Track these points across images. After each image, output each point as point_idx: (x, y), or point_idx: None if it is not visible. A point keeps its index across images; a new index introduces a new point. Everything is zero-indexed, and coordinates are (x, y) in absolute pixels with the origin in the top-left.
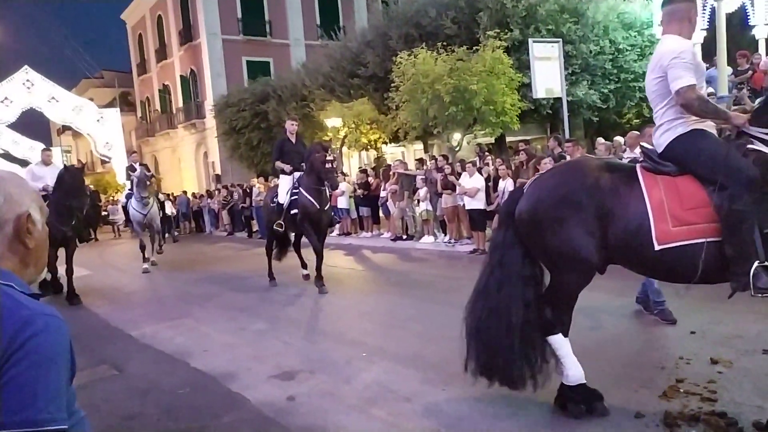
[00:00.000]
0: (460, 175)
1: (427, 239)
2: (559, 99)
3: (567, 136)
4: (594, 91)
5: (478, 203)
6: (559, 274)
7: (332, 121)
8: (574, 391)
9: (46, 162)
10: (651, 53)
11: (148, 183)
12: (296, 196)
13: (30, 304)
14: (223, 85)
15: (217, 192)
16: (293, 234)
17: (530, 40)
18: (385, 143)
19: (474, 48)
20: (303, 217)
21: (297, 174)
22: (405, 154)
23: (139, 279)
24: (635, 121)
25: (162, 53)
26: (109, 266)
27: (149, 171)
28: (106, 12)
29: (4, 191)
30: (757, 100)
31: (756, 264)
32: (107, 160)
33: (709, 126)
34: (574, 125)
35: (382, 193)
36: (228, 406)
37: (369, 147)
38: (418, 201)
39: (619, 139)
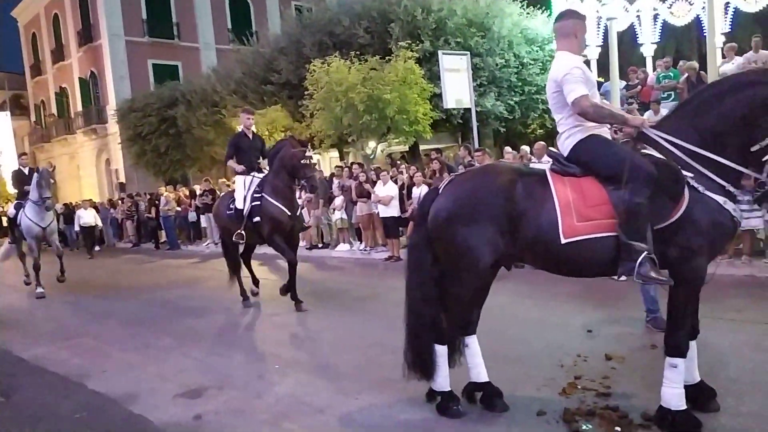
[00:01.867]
0: (375, 183)
1: (343, 247)
2: (469, 109)
3: (476, 145)
4: (501, 103)
5: (393, 211)
6: (458, 273)
7: None
8: (440, 396)
9: None
10: None
11: (52, 181)
12: (258, 201)
13: None
14: (127, 88)
15: (120, 201)
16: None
17: (440, 52)
18: None
19: (387, 58)
20: (271, 228)
21: (256, 175)
22: (320, 162)
23: (31, 296)
24: (539, 131)
25: (59, 54)
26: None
27: (52, 166)
28: None
29: None
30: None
31: (644, 254)
32: None
33: (605, 132)
34: (483, 135)
35: (299, 202)
36: (128, 429)
37: None
38: (334, 209)
39: (525, 148)
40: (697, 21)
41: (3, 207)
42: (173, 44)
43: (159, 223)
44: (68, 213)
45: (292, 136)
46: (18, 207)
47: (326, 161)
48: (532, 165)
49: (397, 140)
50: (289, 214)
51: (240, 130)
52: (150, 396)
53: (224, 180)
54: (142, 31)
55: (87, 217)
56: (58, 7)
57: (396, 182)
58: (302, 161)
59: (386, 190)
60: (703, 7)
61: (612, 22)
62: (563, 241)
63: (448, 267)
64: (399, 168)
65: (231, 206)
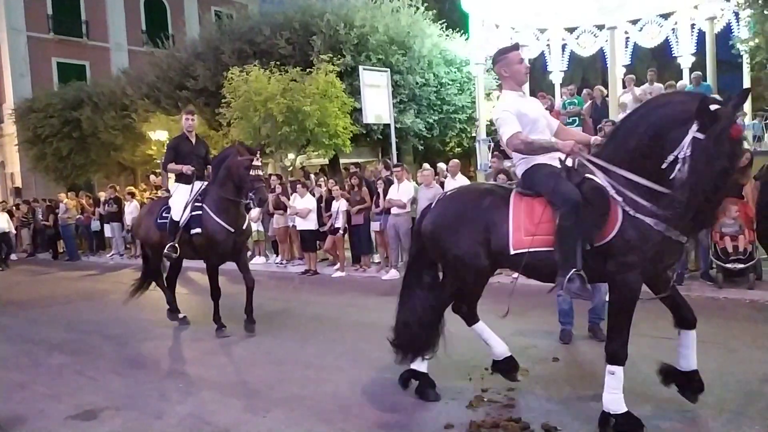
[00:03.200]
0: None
1: (259, 260)
2: (389, 125)
3: (395, 161)
4: (420, 120)
5: (310, 224)
6: (455, 274)
7: (157, 134)
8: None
9: None
10: (469, 89)
11: None
12: (199, 212)
13: None
14: (28, 86)
15: (15, 208)
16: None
17: (360, 68)
18: None
19: (308, 70)
20: (209, 245)
21: (199, 184)
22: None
23: None
24: (457, 149)
25: None
26: None
27: None
28: None
29: None
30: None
31: (573, 271)
32: None
33: (551, 158)
34: (403, 151)
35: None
36: None
37: None
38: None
39: (442, 165)
40: (601, 53)
41: None
42: (81, 43)
43: (58, 232)
44: None
45: (241, 143)
46: None
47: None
48: (446, 182)
49: (316, 153)
50: (232, 230)
51: (181, 133)
52: (39, 419)
53: (131, 188)
54: (47, 27)
55: (0, 222)
56: None
57: (314, 195)
58: (250, 171)
59: (304, 202)
60: (606, 40)
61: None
62: (512, 252)
63: (445, 269)
64: (317, 181)
65: (165, 215)
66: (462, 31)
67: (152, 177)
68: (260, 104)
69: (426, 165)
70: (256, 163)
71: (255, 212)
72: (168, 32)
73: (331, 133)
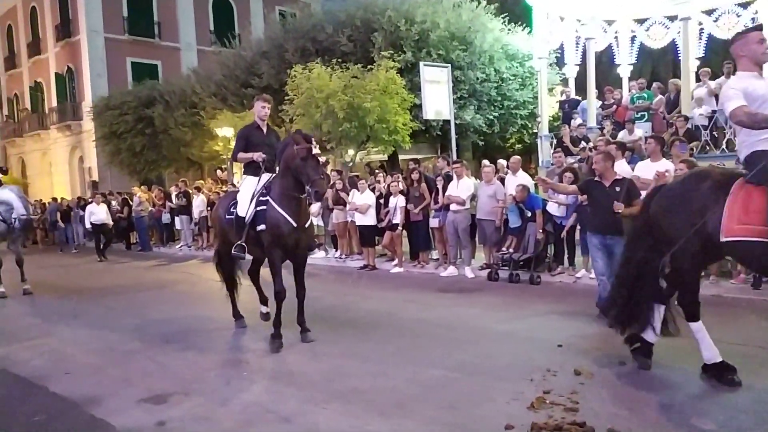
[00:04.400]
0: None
1: (318, 254)
2: (448, 121)
3: (455, 157)
4: (480, 116)
5: (369, 220)
6: (678, 247)
7: (224, 131)
8: (713, 368)
9: None
10: (531, 84)
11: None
12: (264, 207)
13: None
14: (105, 86)
15: (82, 199)
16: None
17: (421, 64)
18: None
19: (368, 66)
20: (273, 240)
21: (267, 176)
22: None
23: None
24: (517, 145)
25: (35, 48)
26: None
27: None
28: None
29: None
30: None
31: None
32: None
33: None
34: (462, 147)
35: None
36: None
37: None
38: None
39: (502, 162)
40: (673, 45)
41: None
42: (154, 43)
43: (131, 224)
44: (67, 210)
45: (298, 130)
46: None
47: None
48: (507, 179)
49: (376, 149)
50: (295, 225)
51: (253, 121)
52: (113, 400)
53: (199, 182)
54: (122, 29)
55: (99, 214)
56: (36, 0)
57: (373, 191)
58: (307, 162)
59: (363, 198)
60: (679, 32)
61: (590, 42)
62: (722, 239)
63: (668, 247)
64: (377, 177)
65: (231, 210)
66: (524, 25)
67: (218, 172)
68: (322, 101)
69: (486, 161)
70: (314, 151)
71: (315, 207)
72: (234, 32)
73: (390, 130)
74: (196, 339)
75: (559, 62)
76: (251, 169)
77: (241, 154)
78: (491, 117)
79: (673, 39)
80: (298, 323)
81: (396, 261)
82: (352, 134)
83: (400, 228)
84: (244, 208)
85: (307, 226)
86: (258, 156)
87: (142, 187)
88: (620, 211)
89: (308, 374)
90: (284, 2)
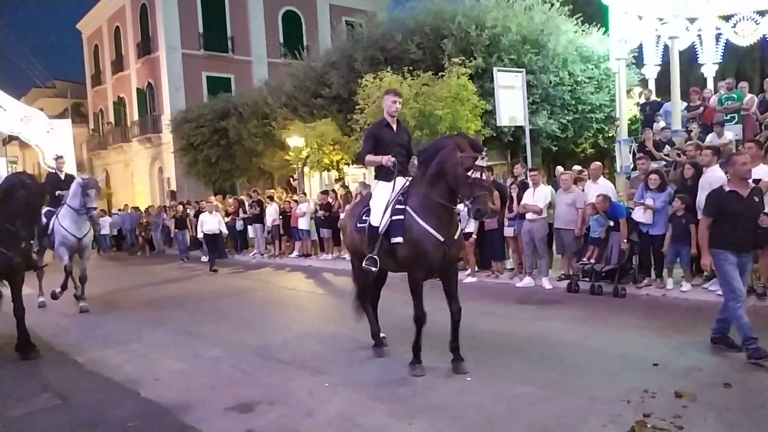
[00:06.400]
0: None
1: None
2: (520, 127)
3: (530, 164)
4: (553, 121)
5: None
6: None
7: (294, 141)
8: None
9: None
10: (608, 86)
11: (100, 190)
12: (401, 216)
13: None
14: (182, 99)
15: (169, 209)
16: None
17: (495, 69)
18: (347, 164)
19: (439, 74)
20: (413, 257)
21: (402, 181)
22: (366, 176)
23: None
24: (590, 150)
25: (118, 65)
26: (51, 285)
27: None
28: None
29: None
30: (708, 136)
31: None
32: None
33: None
34: (533, 153)
35: (343, 215)
36: None
37: (331, 168)
38: None
39: (577, 167)
40: (763, 41)
41: None
42: (227, 57)
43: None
44: (182, 218)
45: (463, 134)
46: (50, 215)
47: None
48: (587, 186)
49: None
50: (441, 239)
51: (382, 119)
52: (201, 407)
53: (273, 191)
54: (198, 44)
55: (211, 223)
56: (120, 20)
57: None
58: (470, 173)
59: None
60: None
61: (674, 41)
62: None
63: None
64: None
65: (364, 218)
66: (599, 25)
67: (291, 180)
68: None
69: (560, 168)
70: (479, 163)
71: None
72: (303, 43)
73: None
74: (275, 347)
75: (637, 63)
76: (383, 173)
77: (369, 157)
78: (565, 121)
79: (764, 35)
80: (450, 350)
81: (469, 270)
82: (424, 142)
83: (474, 236)
84: (378, 216)
85: (456, 237)
86: (387, 160)
87: (217, 196)
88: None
89: (392, 387)
90: (351, 12)
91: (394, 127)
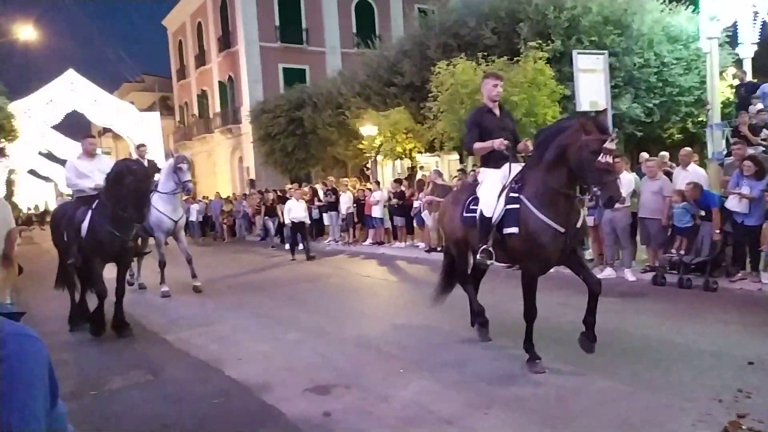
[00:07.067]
0: None
1: None
2: (601, 112)
3: None
4: (638, 105)
5: None
6: None
7: (367, 130)
8: None
9: (90, 153)
10: (697, 68)
11: (190, 162)
12: (515, 205)
13: (2, 324)
14: (260, 91)
15: (249, 197)
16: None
17: (575, 52)
18: (420, 152)
19: (514, 59)
20: (528, 248)
21: (516, 167)
22: (439, 164)
23: (172, 282)
24: (677, 136)
25: (201, 59)
26: (143, 267)
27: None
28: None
29: None
30: None
31: None
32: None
33: None
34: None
35: (416, 203)
36: (263, 419)
37: (404, 156)
38: None
39: (665, 154)
40: None
41: None
42: (302, 49)
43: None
44: (271, 206)
45: (587, 116)
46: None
47: (445, 163)
48: (676, 173)
49: None
50: (562, 230)
51: (482, 105)
52: (281, 388)
53: (347, 179)
54: (275, 37)
55: (297, 211)
56: (202, 16)
57: None
58: (598, 157)
59: None
60: None
61: None
62: None
63: None
64: None
65: (472, 207)
66: (688, 3)
67: (365, 169)
68: (466, 96)
69: (645, 154)
70: (608, 146)
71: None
72: (376, 32)
73: (539, 123)
74: (350, 332)
75: (730, 42)
76: (493, 160)
77: (477, 145)
78: (650, 105)
79: None
80: (585, 324)
81: None
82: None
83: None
84: (490, 206)
85: (579, 225)
86: (500, 144)
87: (294, 184)
88: None
89: (466, 376)
90: (424, 0)
91: (497, 112)
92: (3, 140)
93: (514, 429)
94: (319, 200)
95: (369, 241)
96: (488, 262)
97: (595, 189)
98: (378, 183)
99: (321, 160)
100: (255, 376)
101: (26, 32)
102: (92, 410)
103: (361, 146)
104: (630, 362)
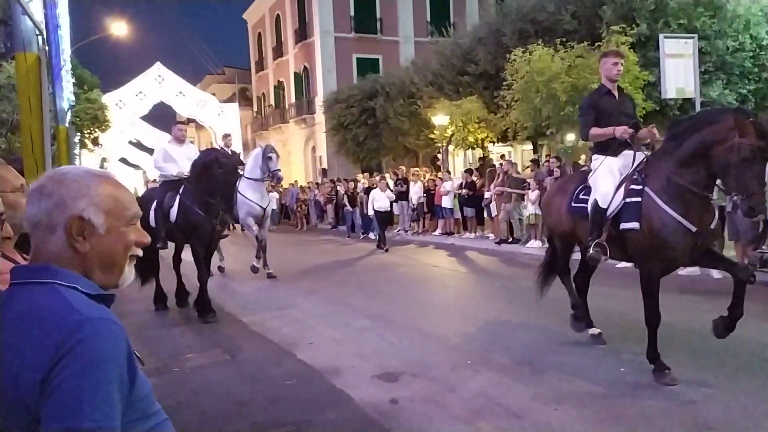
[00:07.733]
0: None
1: (534, 244)
2: (689, 99)
3: None
4: (730, 92)
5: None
6: None
7: (439, 119)
8: None
9: (179, 138)
10: None
11: (277, 154)
12: (637, 198)
13: (83, 307)
14: (334, 81)
15: (321, 185)
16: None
17: (661, 36)
18: (493, 142)
19: (595, 44)
20: (653, 248)
21: (640, 156)
22: (512, 154)
23: (243, 266)
24: None
25: (279, 51)
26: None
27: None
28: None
29: (57, 195)
30: None
31: None
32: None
33: None
34: None
35: (487, 194)
36: (332, 402)
37: (476, 146)
38: (526, 204)
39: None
40: None
41: None
42: (376, 38)
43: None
44: (353, 195)
45: (742, 111)
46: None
47: (519, 154)
48: None
49: None
50: (693, 229)
51: (599, 86)
52: (350, 373)
53: (417, 169)
54: (349, 27)
55: (382, 200)
56: (280, 9)
57: None
58: (752, 165)
59: None
60: None
61: None
62: None
63: None
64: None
65: (582, 196)
66: None
67: (435, 159)
68: (542, 84)
69: None
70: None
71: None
72: (450, 20)
73: None
74: (418, 321)
75: None
76: (612, 147)
77: (594, 130)
78: (744, 92)
79: None
80: (730, 317)
81: None
82: (575, 118)
83: None
84: (606, 197)
85: (713, 227)
86: (624, 132)
87: (365, 173)
88: None
89: (535, 370)
90: None
91: (616, 94)
92: (97, 130)
93: (587, 427)
94: (390, 189)
95: (438, 231)
96: (601, 258)
97: (736, 196)
98: (449, 173)
99: (392, 149)
100: (325, 361)
101: (119, 28)
102: (176, 386)
103: (432, 136)
104: (712, 363)
